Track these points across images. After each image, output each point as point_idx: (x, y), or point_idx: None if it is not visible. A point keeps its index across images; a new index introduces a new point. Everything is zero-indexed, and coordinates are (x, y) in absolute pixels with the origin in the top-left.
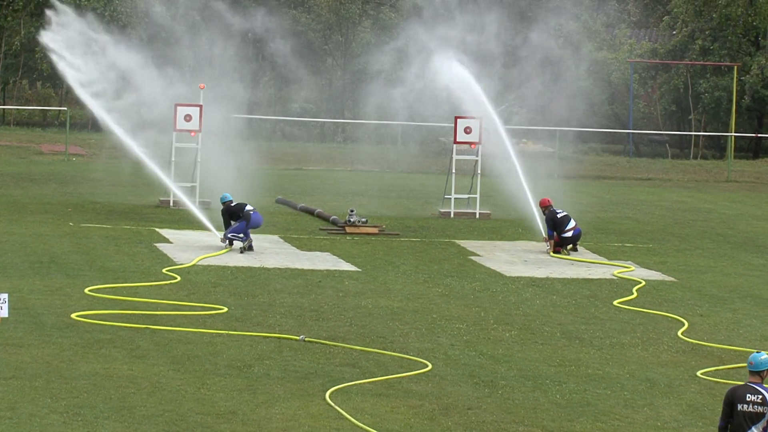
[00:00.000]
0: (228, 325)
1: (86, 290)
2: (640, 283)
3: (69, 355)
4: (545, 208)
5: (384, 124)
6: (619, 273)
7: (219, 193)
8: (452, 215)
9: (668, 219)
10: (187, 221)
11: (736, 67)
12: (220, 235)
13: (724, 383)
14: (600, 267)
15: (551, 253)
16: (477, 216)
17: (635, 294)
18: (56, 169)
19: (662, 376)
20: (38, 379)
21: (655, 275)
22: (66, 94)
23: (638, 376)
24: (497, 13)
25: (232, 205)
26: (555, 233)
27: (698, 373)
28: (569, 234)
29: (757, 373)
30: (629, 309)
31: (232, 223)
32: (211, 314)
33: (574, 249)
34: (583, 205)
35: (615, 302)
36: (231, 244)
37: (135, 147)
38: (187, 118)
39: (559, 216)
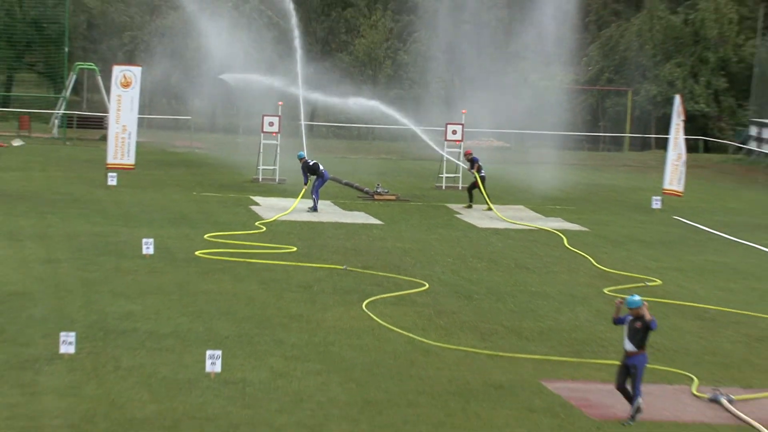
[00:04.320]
0: (297, 258)
1: (205, 236)
2: (565, 232)
3: (193, 278)
4: (468, 155)
5: (399, 128)
6: (550, 227)
7: (291, 174)
8: (443, 188)
9: (584, 191)
10: (269, 191)
11: (630, 91)
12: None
13: (621, 296)
14: (540, 221)
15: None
16: (460, 188)
17: (564, 238)
18: (185, 158)
19: (580, 292)
20: (172, 294)
21: (576, 227)
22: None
23: (564, 293)
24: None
25: (310, 163)
26: (476, 172)
27: (604, 290)
28: (483, 174)
29: (620, 321)
30: (560, 248)
31: (310, 177)
32: (286, 252)
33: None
34: (528, 182)
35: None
36: (313, 205)
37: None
38: (270, 124)
39: (477, 161)
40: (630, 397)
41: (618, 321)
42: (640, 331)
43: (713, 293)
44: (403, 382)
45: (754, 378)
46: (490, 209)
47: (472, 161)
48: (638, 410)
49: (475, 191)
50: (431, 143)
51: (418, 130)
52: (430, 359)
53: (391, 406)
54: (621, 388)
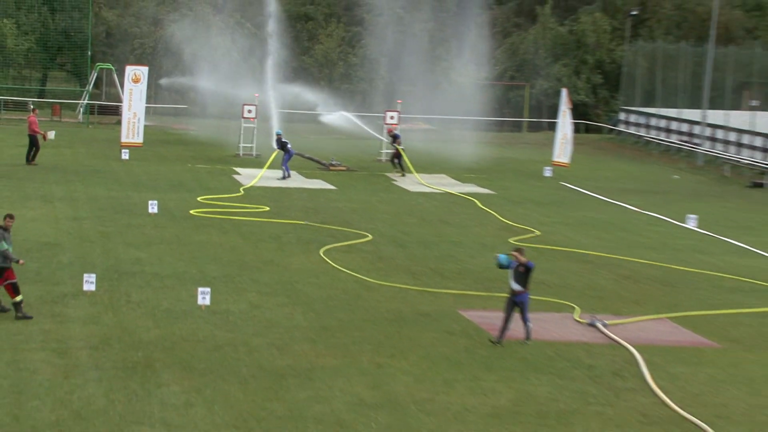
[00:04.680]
0: (269, 216)
1: (198, 199)
2: (477, 195)
3: (188, 232)
4: (390, 132)
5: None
6: (465, 191)
7: (265, 150)
8: (383, 161)
9: (492, 163)
10: (248, 164)
11: (527, 86)
12: (279, 174)
13: (521, 243)
14: (457, 187)
15: (408, 162)
16: (383, 161)
17: (476, 200)
18: (182, 138)
19: (489, 241)
20: (172, 244)
21: (486, 191)
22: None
23: (477, 242)
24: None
25: (282, 139)
26: (396, 145)
27: (509, 240)
28: (402, 146)
29: (505, 266)
30: (474, 207)
31: (279, 150)
32: (260, 211)
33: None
34: (448, 156)
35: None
36: (286, 176)
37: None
38: (249, 111)
39: (398, 137)
40: (506, 325)
41: (504, 267)
42: (523, 275)
43: (591, 241)
44: (352, 311)
45: (622, 307)
46: (405, 175)
47: (395, 137)
48: (529, 332)
49: (404, 162)
50: (368, 129)
51: (360, 122)
52: (373, 294)
53: (342, 330)
54: (507, 318)
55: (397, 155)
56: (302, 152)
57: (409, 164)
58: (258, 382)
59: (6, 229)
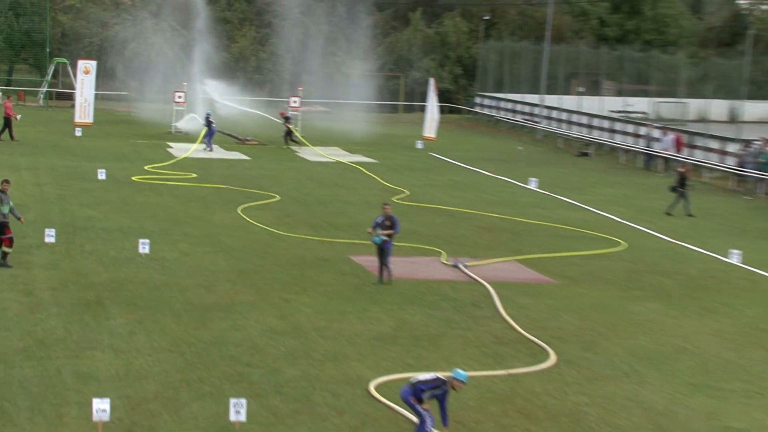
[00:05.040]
0: (197, 181)
1: (146, 167)
2: (363, 163)
3: (130, 194)
4: (283, 115)
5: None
6: (354, 160)
7: (192, 129)
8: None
9: (375, 138)
10: (179, 139)
11: (402, 76)
12: (202, 146)
13: (399, 202)
14: (347, 157)
15: (300, 137)
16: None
17: (362, 168)
18: (125, 119)
19: (373, 200)
20: (117, 204)
21: (370, 160)
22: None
23: (363, 201)
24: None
25: (210, 118)
26: (288, 125)
27: (393, 199)
28: (293, 126)
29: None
30: (361, 173)
31: (205, 127)
32: (189, 177)
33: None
34: (340, 132)
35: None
36: (208, 149)
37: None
38: (179, 96)
39: (290, 118)
40: (383, 269)
41: (374, 225)
42: (389, 227)
43: (454, 200)
44: (264, 257)
45: (479, 252)
46: (289, 147)
47: (287, 118)
48: (390, 274)
49: (296, 139)
50: (262, 113)
51: (251, 109)
52: (281, 243)
53: (256, 272)
54: (381, 263)
55: (289, 133)
56: (223, 130)
57: (301, 138)
58: (188, 314)
59: (4, 191)
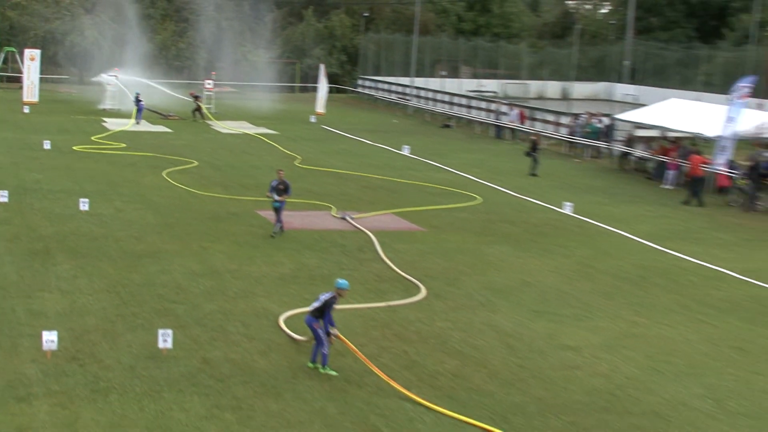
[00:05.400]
0: (128, 151)
1: (92, 138)
2: (267, 135)
3: (73, 162)
4: (192, 95)
5: (178, 83)
6: (259, 132)
7: (124, 107)
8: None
9: (277, 113)
10: (112, 115)
11: (298, 63)
12: (133, 120)
13: (300, 166)
14: (253, 129)
15: (208, 113)
16: (213, 112)
17: (265, 139)
18: (66, 98)
19: (275, 164)
20: (61, 170)
21: (273, 132)
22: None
23: (267, 165)
24: (223, 44)
25: (139, 98)
26: (198, 102)
27: (295, 163)
28: (211, 108)
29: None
30: (264, 143)
31: (136, 106)
32: (122, 146)
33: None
34: (247, 109)
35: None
36: (137, 122)
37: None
38: (113, 76)
39: (199, 97)
40: (277, 221)
41: (271, 188)
42: (282, 191)
43: (342, 164)
44: (184, 212)
45: (362, 206)
46: (197, 120)
47: (196, 97)
48: (281, 228)
49: (204, 114)
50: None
51: (166, 89)
52: (199, 201)
53: (179, 225)
54: (278, 219)
55: (198, 109)
56: (149, 107)
57: (209, 114)
58: (123, 261)
59: None
